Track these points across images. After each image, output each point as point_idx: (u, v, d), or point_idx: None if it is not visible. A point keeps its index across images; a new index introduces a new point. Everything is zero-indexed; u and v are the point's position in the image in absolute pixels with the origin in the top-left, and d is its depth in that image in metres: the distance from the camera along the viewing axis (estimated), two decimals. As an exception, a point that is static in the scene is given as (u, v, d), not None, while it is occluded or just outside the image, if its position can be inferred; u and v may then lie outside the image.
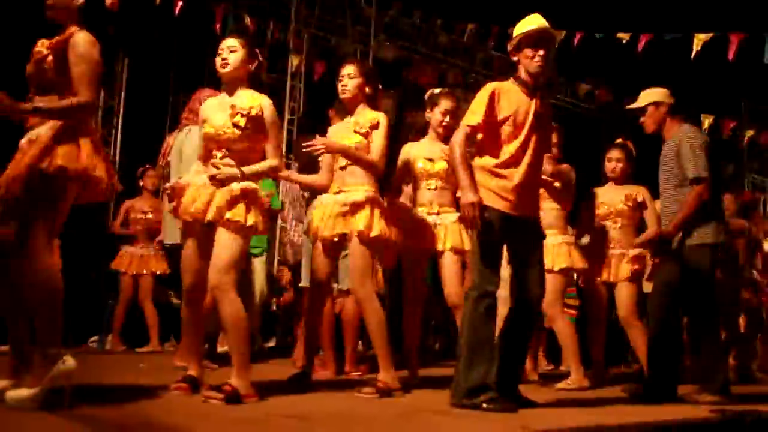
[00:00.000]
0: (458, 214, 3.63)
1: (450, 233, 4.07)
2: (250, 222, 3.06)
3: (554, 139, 4.36)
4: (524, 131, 3.27)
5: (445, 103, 4.26)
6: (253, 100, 3.20)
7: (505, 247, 3.35)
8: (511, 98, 3.30)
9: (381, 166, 3.63)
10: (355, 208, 3.55)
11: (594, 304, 4.78)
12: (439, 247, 4.08)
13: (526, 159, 3.28)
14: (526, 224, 3.31)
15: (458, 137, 3.28)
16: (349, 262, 3.59)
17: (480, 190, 3.20)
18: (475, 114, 3.28)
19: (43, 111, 2.60)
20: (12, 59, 2.94)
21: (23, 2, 2.65)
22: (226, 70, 3.24)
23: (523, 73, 3.36)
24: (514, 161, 3.27)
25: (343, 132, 3.75)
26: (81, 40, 2.69)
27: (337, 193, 3.66)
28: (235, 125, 3.15)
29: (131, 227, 6.41)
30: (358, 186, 3.61)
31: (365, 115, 3.70)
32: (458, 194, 3.47)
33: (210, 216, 3.06)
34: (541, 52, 3.29)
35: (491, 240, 3.23)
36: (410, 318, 4.24)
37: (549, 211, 4.42)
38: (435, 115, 4.27)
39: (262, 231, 3.19)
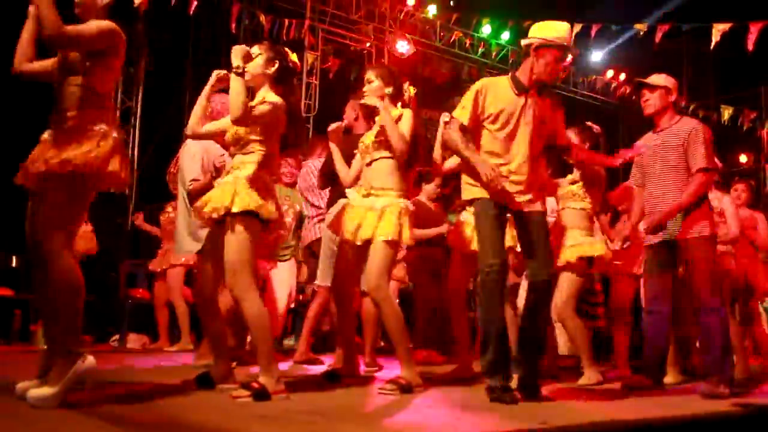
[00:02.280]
0: None
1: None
2: (245, 208, 3.05)
3: (576, 139, 4.38)
4: (510, 127, 3.37)
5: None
6: (258, 99, 3.26)
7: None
8: (498, 95, 3.40)
9: (404, 152, 3.65)
10: (383, 212, 3.59)
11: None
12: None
13: (515, 154, 3.38)
14: (520, 215, 3.42)
15: (451, 129, 3.41)
16: (369, 262, 3.59)
17: (468, 188, 3.42)
18: (463, 109, 3.40)
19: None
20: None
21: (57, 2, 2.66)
22: (245, 78, 3.25)
23: (523, 73, 3.43)
24: (500, 157, 3.38)
25: (369, 133, 3.85)
26: (105, 23, 2.75)
27: (366, 195, 3.69)
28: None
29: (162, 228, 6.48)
30: (387, 191, 3.65)
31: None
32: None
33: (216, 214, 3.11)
34: (560, 67, 3.43)
35: (485, 223, 3.35)
36: (457, 314, 4.38)
37: (573, 211, 4.41)
38: None
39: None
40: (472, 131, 3.43)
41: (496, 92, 3.41)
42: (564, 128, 3.69)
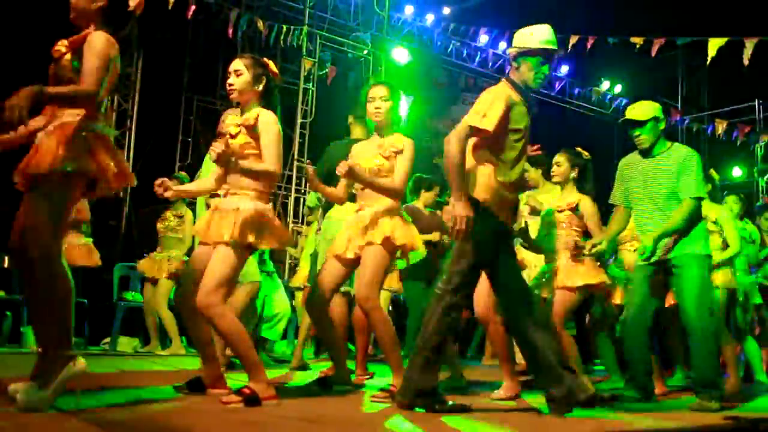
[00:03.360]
0: None
1: None
2: (244, 239, 3.07)
3: (558, 159, 4.45)
4: (523, 141, 3.29)
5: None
6: (252, 113, 3.24)
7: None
8: (521, 110, 3.26)
9: (401, 192, 3.70)
10: (376, 218, 3.60)
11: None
12: None
13: (519, 169, 3.30)
14: (508, 235, 3.36)
15: (459, 136, 3.13)
16: (360, 270, 3.59)
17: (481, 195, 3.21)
18: (485, 118, 3.13)
19: (50, 94, 2.58)
20: (36, 66, 2.96)
21: (47, 8, 2.65)
22: (233, 95, 3.29)
23: (520, 82, 3.33)
24: (510, 170, 3.26)
25: (367, 153, 3.79)
26: (97, 37, 2.71)
27: (360, 210, 3.73)
28: (229, 135, 3.25)
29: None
30: (380, 203, 3.67)
31: (393, 139, 3.74)
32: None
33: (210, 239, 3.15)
34: (543, 73, 3.31)
35: (484, 258, 3.19)
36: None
37: (567, 235, 4.43)
38: None
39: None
40: (483, 144, 3.25)
41: (520, 104, 3.25)
42: None
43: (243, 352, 3.06)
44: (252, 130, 3.21)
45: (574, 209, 4.45)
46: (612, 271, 5.02)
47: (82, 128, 2.65)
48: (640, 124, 4.07)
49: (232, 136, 3.25)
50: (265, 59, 3.42)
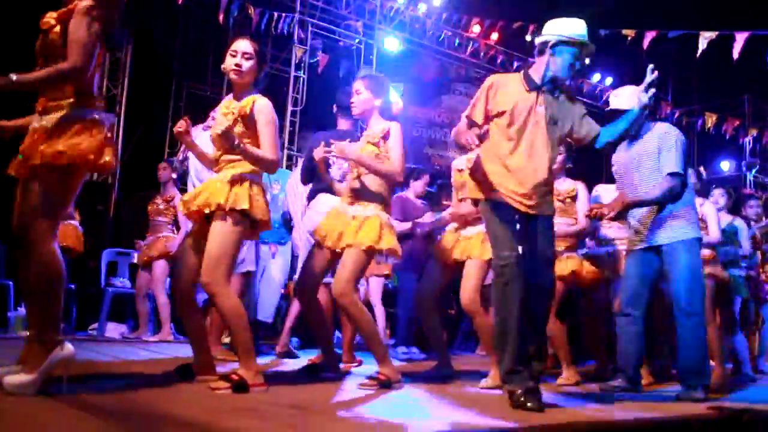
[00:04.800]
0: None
1: (473, 244, 4.12)
2: (240, 206, 3.05)
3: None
4: (518, 124, 3.25)
5: None
6: (248, 100, 3.22)
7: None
8: (509, 92, 3.30)
9: (401, 174, 3.68)
10: (365, 221, 3.60)
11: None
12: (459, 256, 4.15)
13: (524, 154, 3.25)
14: (530, 218, 3.25)
15: (461, 126, 3.37)
16: (340, 266, 3.59)
17: (476, 186, 3.30)
18: (474, 108, 3.35)
19: (23, 82, 2.51)
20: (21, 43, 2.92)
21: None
22: (239, 77, 3.25)
23: (536, 71, 3.33)
24: (510, 155, 3.26)
25: (356, 143, 3.80)
26: (83, 7, 2.66)
27: (351, 204, 3.70)
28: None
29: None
30: (372, 203, 3.66)
31: (377, 125, 3.75)
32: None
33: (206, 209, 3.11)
34: (579, 64, 3.30)
35: (494, 218, 3.23)
36: (426, 315, 4.36)
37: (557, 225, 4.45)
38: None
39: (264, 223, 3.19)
40: (486, 128, 3.37)
41: (506, 88, 3.31)
42: (583, 120, 3.45)
43: (239, 335, 3.06)
44: (248, 119, 3.19)
45: (574, 198, 4.50)
46: None
47: (75, 116, 2.63)
48: (625, 112, 4.08)
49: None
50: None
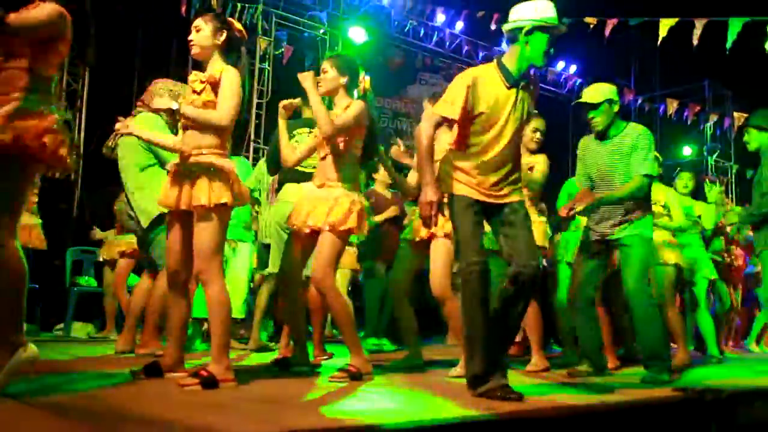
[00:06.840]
0: None
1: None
2: (215, 200, 3.04)
3: (539, 126, 4.51)
4: (500, 123, 3.14)
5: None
6: (217, 70, 3.20)
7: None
8: (488, 89, 3.13)
9: (332, 128, 3.58)
10: (334, 202, 3.59)
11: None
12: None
13: (499, 149, 3.17)
14: (501, 207, 3.21)
15: (428, 125, 3.16)
16: (316, 251, 3.59)
17: (448, 180, 3.21)
18: (452, 105, 3.12)
19: None
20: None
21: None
22: (194, 51, 3.27)
23: (510, 61, 3.16)
24: (485, 152, 3.16)
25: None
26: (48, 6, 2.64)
27: (320, 186, 3.69)
28: (193, 91, 3.21)
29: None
30: (340, 183, 3.65)
31: (342, 103, 3.75)
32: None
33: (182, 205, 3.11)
34: (552, 50, 3.13)
35: (465, 220, 3.14)
36: (398, 303, 4.39)
37: None
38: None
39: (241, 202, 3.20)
40: (456, 126, 3.22)
41: (486, 86, 3.12)
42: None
43: (219, 328, 3.05)
44: (216, 87, 3.17)
45: (531, 169, 4.53)
46: None
47: (38, 109, 2.57)
48: (594, 106, 4.14)
49: (196, 93, 3.20)
50: (229, 18, 3.40)
